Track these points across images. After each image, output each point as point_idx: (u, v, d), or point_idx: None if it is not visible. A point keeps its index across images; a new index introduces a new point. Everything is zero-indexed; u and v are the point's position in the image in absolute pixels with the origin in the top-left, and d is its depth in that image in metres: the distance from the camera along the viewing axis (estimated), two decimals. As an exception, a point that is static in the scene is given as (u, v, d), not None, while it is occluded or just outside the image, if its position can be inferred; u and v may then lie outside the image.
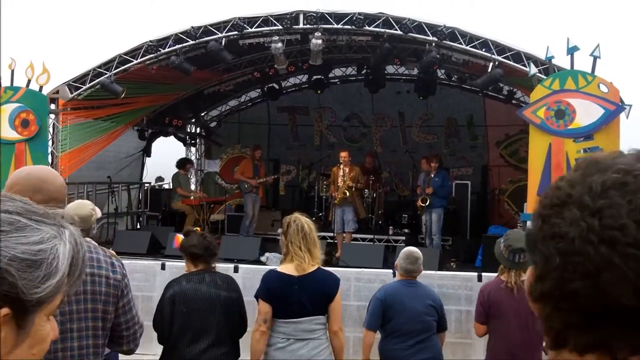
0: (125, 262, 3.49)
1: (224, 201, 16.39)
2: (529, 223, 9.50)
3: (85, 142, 12.29)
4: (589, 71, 9.63)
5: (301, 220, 4.67)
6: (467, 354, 8.43)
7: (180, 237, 4.95)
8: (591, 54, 9.55)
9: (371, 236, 13.20)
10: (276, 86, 17.11)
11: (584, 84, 9.58)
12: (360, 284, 9.27)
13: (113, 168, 14.18)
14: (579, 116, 9.56)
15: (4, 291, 1.06)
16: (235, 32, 11.27)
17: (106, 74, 11.63)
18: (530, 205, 9.93)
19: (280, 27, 11.13)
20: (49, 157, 11.83)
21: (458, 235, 14.34)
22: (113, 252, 3.02)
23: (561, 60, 9.92)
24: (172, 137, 17.18)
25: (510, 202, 16.59)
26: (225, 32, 11.27)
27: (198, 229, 5.98)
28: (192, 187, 16.53)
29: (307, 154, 18.42)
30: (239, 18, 11.22)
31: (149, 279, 9.43)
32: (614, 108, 9.46)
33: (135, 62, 11.65)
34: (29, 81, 11.61)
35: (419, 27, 10.72)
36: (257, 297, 4.67)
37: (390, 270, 9.32)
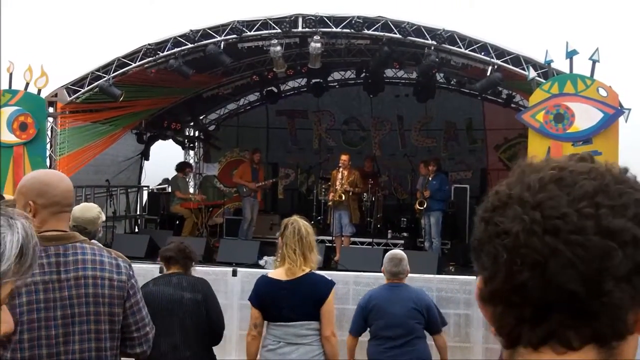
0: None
1: (222, 205, 16.36)
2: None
3: (84, 146, 12.27)
4: (588, 75, 9.63)
5: (299, 223, 4.63)
6: (466, 357, 8.39)
7: None
8: (590, 58, 9.56)
9: (370, 240, 13.18)
10: (275, 89, 17.09)
11: (583, 87, 9.58)
12: (359, 288, 9.24)
13: (111, 171, 14.15)
14: (578, 120, 9.56)
15: None
16: (234, 36, 11.26)
17: (105, 77, 11.61)
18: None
19: (279, 30, 11.12)
20: (47, 160, 11.81)
21: (457, 239, 14.32)
22: (120, 253, 2.99)
23: (560, 64, 9.94)
24: (170, 141, 17.17)
25: (509, 206, 16.55)
26: (224, 36, 11.26)
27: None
28: (191, 190, 16.52)
29: (305, 157, 18.40)
30: (238, 21, 11.22)
31: (145, 282, 9.38)
32: (613, 112, 9.46)
33: (133, 65, 11.64)
34: (27, 84, 11.61)
35: (418, 30, 10.72)
36: (249, 301, 4.68)
37: (389, 274, 9.29)
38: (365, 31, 10.96)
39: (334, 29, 11.01)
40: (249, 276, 9.12)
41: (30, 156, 11.49)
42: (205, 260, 10.85)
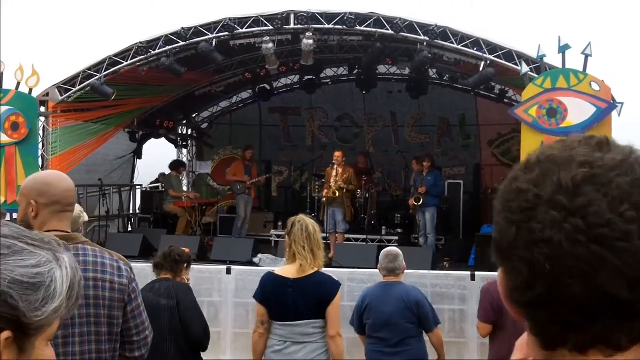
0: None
1: (216, 203, 16.35)
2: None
3: (76, 145, 12.21)
4: (581, 69, 9.63)
5: (306, 221, 4.62)
6: (460, 353, 8.39)
7: None
8: (583, 52, 9.56)
9: (364, 236, 13.17)
10: (267, 87, 17.06)
11: (576, 82, 9.58)
12: (353, 285, 9.23)
13: (104, 171, 14.09)
14: (570, 115, 9.56)
15: (5, 314, 1.07)
16: (226, 33, 11.23)
17: (96, 75, 11.56)
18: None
19: (271, 27, 11.09)
20: (40, 160, 11.76)
21: (451, 235, 14.35)
22: (121, 256, 2.98)
23: (553, 59, 9.93)
24: (163, 139, 17.12)
25: (503, 202, 16.58)
26: (216, 33, 11.23)
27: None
28: (184, 189, 16.48)
29: (299, 154, 18.38)
30: (230, 19, 11.18)
31: (140, 282, 9.33)
32: (606, 106, 9.47)
33: (125, 63, 11.59)
34: (18, 84, 11.55)
35: (411, 26, 10.71)
36: (254, 298, 4.65)
37: (384, 271, 9.29)
38: (358, 27, 10.94)
39: (326, 26, 10.98)
40: (243, 274, 9.11)
41: (23, 156, 11.44)
42: (199, 258, 10.83)
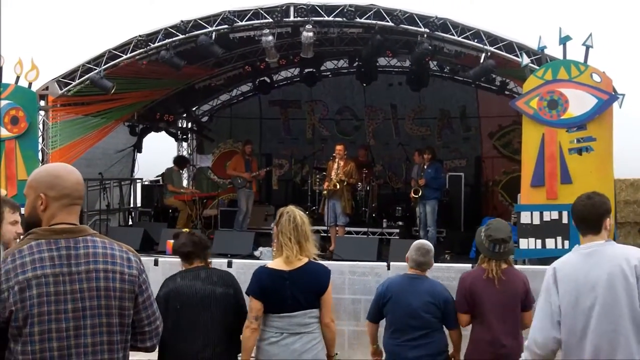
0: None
1: (216, 196, 16.35)
2: (522, 214, 9.48)
3: (76, 139, 12.20)
4: (582, 61, 9.59)
5: (294, 212, 4.64)
6: (464, 345, 8.37)
7: (171, 242, 4.95)
8: (584, 44, 9.51)
9: (365, 229, 13.16)
10: (267, 80, 17.02)
11: (577, 73, 9.54)
12: (354, 277, 9.24)
13: (104, 164, 14.08)
14: (572, 106, 9.53)
15: None
16: (226, 26, 11.18)
17: (96, 69, 11.54)
18: (524, 196, 9.91)
19: (270, 20, 11.05)
20: (40, 154, 11.74)
21: (452, 227, 14.35)
22: (130, 247, 2.99)
23: (554, 50, 9.88)
24: (163, 133, 17.10)
25: (504, 194, 16.61)
26: (216, 26, 11.19)
27: (185, 229, 5.92)
28: (185, 183, 16.49)
29: (299, 147, 18.38)
30: (229, 11, 11.14)
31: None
32: (607, 97, 9.43)
33: (124, 57, 11.55)
34: (17, 78, 11.53)
35: (411, 18, 10.67)
36: (247, 293, 4.63)
37: (385, 264, 9.29)
38: (358, 20, 10.89)
39: (326, 18, 10.93)
40: (244, 267, 9.11)
41: (22, 150, 11.43)
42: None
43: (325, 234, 12.40)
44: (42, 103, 11.86)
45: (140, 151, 16.15)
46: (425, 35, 10.65)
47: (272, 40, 11.30)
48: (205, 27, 11.22)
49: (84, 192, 2.97)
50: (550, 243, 9.50)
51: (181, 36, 11.29)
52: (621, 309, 3.55)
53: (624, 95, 9.46)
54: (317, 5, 10.89)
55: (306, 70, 16.34)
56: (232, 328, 4.71)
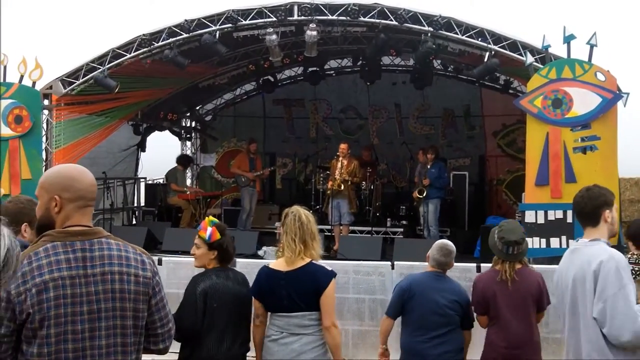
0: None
1: (220, 195, 16.35)
2: (527, 213, 9.47)
3: (80, 138, 12.22)
4: (586, 59, 9.56)
5: (300, 211, 4.61)
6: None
7: (216, 230, 4.74)
8: (588, 42, 9.49)
9: (369, 228, 13.15)
10: (271, 79, 17.00)
11: (581, 72, 9.52)
12: (358, 277, 9.21)
13: (107, 163, 14.09)
14: (576, 105, 9.51)
15: None
16: (229, 25, 11.18)
17: (100, 68, 11.54)
18: (528, 195, 9.89)
19: (274, 19, 11.05)
20: (43, 153, 11.75)
21: (456, 226, 14.33)
22: (143, 249, 2.99)
23: (558, 49, 9.86)
24: (167, 132, 17.10)
25: (508, 193, 16.59)
26: (219, 25, 11.19)
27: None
28: (188, 182, 16.49)
29: (303, 146, 18.37)
30: (233, 10, 11.14)
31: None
32: (611, 96, 9.41)
33: (128, 56, 11.56)
34: (21, 77, 11.53)
35: (415, 17, 10.65)
36: (250, 292, 4.68)
37: (389, 263, 9.27)
38: (361, 18, 10.88)
39: (330, 17, 10.92)
40: (248, 266, 9.08)
41: (26, 149, 11.44)
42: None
43: (329, 233, 12.40)
44: (46, 102, 11.87)
45: (144, 150, 16.17)
46: (429, 34, 10.63)
47: (276, 39, 11.30)
48: (209, 26, 11.22)
49: (96, 193, 2.96)
50: (554, 242, 9.48)
51: (185, 35, 11.29)
52: (578, 311, 3.62)
53: (628, 93, 9.44)
54: (321, 4, 10.88)
55: (310, 69, 16.32)
56: (250, 329, 4.72)
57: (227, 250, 4.73)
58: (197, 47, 11.55)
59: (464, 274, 8.71)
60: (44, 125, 11.86)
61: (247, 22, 11.21)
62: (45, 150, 11.82)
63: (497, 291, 5.14)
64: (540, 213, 9.57)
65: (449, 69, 15.46)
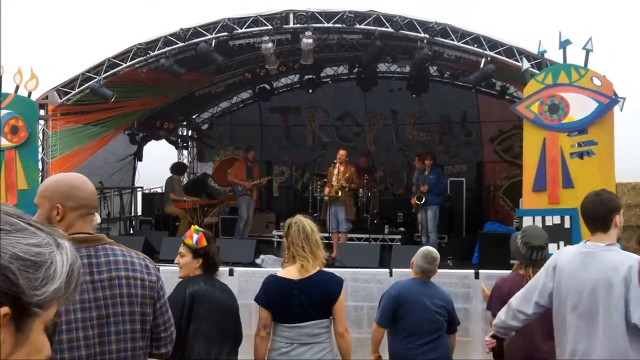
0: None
1: (217, 204, 16.31)
2: (524, 219, 9.45)
3: (76, 148, 12.18)
4: (582, 65, 9.57)
5: (302, 221, 4.62)
6: (465, 352, 8.33)
7: (203, 237, 4.67)
8: (584, 48, 9.49)
9: (367, 235, 13.12)
10: (267, 87, 17.02)
11: (577, 77, 9.52)
12: (356, 284, 9.19)
13: (104, 173, 14.06)
14: (572, 110, 9.51)
15: (5, 289, 1.09)
16: (225, 33, 11.18)
17: (95, 78, 11.52)
18: (526, 201, 9.88)
19: (270, 27, 11.04)
20: (40, 163, 11.72)
21: (454, 233, 14.31)
22: (145, 255, 3.01)
23: (554, 55, 9.87)
24: (163, 141, 17.08)
25: (506, 198, 16.59)
26: (215, 34, 11.18)
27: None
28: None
29: (300, 154, 18.37)
30: (229, 19, 11.13)
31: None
32: (608, 101, 9.40)
33: (124, 65, 11.54)
34: (17, 87, 11.51)
35: (410, 24, 10.65)
36: (256, 301, 4.60)
37: (387, 270, 9.25)
38: (357, 26, 10.88)
39: (326, 24, 10.93)
40: (245, 275, 9.06)
41: (22, 160, 11.40)
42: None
43: (327, 241, 12.35)
44: (42, 112, 11.84)
45: (140, 159, 16.14)
46: (425, 41, 10.63)
47: (271, 47, 11.30)
48: (205, 35, 11.21)
49: (97, 201, 2.96)
50: (552, 248, 9.45)
51: (181, 44, 11.28)
52: (597, 317, 3.58)
53: (624, 98, 9.44)
54: (316, 12, 10.88)
55: (306, 77, 16.34)
56: (236, 341, 4.65)
57: (213, 259, 4.61)
58: (193, 55, 11.55)
59: (462, 280, 8.70)
60: (40, 136, 11.83)
61: (243, 30, 11.21)
62: (42, 160, 11.78)
63: None
64: (538, 219, 9.55)
65: (445, 76, 15.48)
